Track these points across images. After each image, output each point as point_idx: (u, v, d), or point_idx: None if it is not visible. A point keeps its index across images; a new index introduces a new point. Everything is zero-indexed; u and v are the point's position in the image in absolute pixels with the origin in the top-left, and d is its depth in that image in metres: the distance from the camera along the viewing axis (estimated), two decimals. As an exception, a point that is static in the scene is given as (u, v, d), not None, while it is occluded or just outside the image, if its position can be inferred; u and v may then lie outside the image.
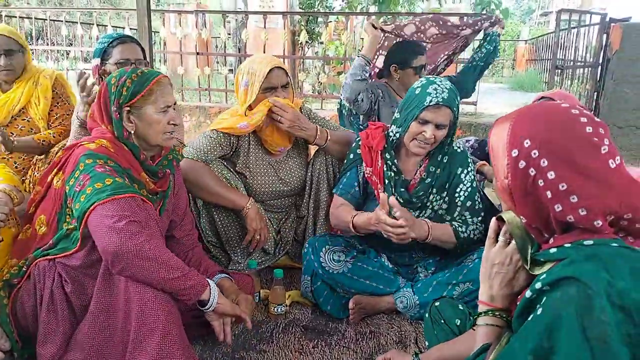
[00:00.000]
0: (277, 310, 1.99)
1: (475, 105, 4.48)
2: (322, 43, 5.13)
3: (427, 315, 1.64)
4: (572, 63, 4.95)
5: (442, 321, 1.59)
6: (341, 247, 2.02)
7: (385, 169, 2.02)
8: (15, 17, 6.25)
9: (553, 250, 0.94)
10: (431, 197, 2.03)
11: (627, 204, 0.91)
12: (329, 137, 2.22)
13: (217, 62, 8.15)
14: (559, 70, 4.66)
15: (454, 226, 1.96)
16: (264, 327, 1.93)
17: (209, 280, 1.49)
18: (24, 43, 2.53)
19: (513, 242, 1.03)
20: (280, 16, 5.22)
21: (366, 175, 2.04)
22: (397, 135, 1.98)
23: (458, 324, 1.56)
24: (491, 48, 2.89)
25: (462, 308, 1.62)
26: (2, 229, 1.67)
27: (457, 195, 2.02)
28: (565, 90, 4.79)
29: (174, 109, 1.64)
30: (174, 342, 1.36)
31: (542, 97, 2.14)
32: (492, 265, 1.07)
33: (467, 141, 2.72)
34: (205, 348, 1.76)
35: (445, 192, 2.03)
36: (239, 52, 6.93)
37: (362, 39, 5.29)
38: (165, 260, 1.38)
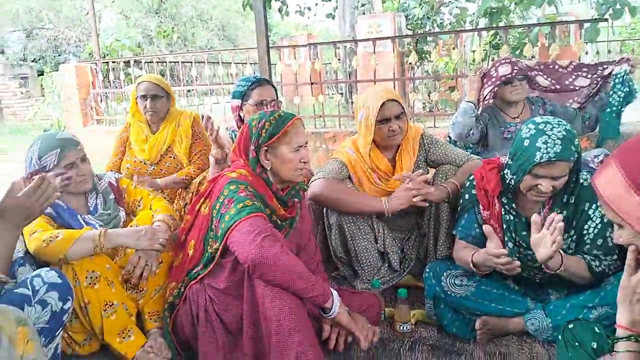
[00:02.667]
0: (403, 328, 2.04)
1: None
2: (431, 61, 5.14)
3: (560, 337, 1.59)
4: None
5: (577, 344, 1.53)
6: (463, 271, 2.01)
7: (503, 212, 1.96)
8: (152, 62, 7.08)
9: None
10: None
11: None
12: (457, 185, 2.26)
13: (329, 88, 8.48)
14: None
15: (586, 259, 1.84)
16: (391, 345, 1.99)
17: (332, 291, 1.63)
18: (169, 90, 2.92)
19: None
20: (389, 40, 5.34)
21: (484, 218, 1.99)
22: (512, 181, 1.87)
23: (594, 347, 1.49)
24: (627, 89, 2.69)
25: (598, 331, 1.54)
26: (163, 254, 1.95)
27: (585, 233, 1.89)
28: None
29: (305, 148, 1.83)
30: (309, 346, 1.50)
31: None
32: (633, 292, 1.06)
33: (595, 157, 2.57)
34: (334, 357, 1.86)
35: (573, 231, 1.90)
36: (349, 77, 7.16)
37: (473, 51, 5.23)
38: (295, 270, 1.54)
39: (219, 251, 1.67)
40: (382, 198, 2.23)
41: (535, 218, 1.69)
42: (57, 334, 1.54)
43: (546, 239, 1.66)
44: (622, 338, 1.09)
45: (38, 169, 1.91)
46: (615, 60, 2.79)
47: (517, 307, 1.96)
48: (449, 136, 3.02)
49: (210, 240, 1.76)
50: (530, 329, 1.93)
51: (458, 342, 1.99)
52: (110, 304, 1.76)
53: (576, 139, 1.77)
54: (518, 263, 1.72)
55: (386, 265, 2.41)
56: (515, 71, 2.68)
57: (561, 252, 1.76)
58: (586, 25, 5.57)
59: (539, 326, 1.90)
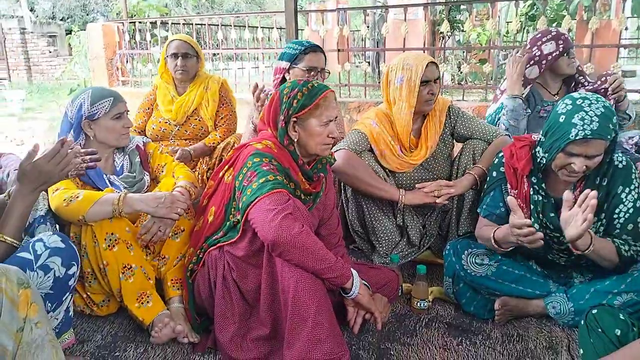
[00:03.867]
0: (420, 305, 2.03)
1: (641, 92, 4.00)
2: (463, 31, 4.97)
3: (582, 322, 1.56)
4: None
5: (600, 330, 1.50)
6: (484, 250, 1.98)
7: (531, 192, 1.90)
8: (179, 24, 7.01)
9: None
10: None
11: None
12: (484, 170, 2.20)
13: (355, 57, 8.32)
14: None
15: (616, 243, 1.78)
16: (408, 321, 1.99)
17: (353, 271, 1.60)
18: (199, 51, 2.91)
19: None
20: (420, 7, 5.17)
21: (512, 196, 1.90)
22: (544, 160, 1.82)
23: (618, 334, 1.46)
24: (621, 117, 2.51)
25: (623, 318, 1.50)
26: (184, 221, 1.96)
27: (615, 217, 1.82)
28: None
29: (335, 122, 1.77)
30: (324, 330, 1.48)
31: None
32: None
33: (630, 138, 2.46)
34: (352, 335, 1.85)
35: (603, 214, 1.84)
36: (377, 46, 7.00)
37: (508, 22, 5.03)
38: (316, 250, 1.51)
39: (242, 222, 1.65)
40: (400, 190, 2.21)
41: (567, 195, 1.63)
42: (64, 298, 1.54)
43: (577, 217, 1.60)
44: None
45: (86, 116, 1.94)
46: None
47: (538, 289, 1.93)
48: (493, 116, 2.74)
49: (233, 209, 1.75)
50: (551, 312, 1.90)
51: (475, 322, 1.98)
52: (129, 267, 1.78)
53: (614, 117, 1.70)
54: (541, 235, 1.66)
55: (405, 240, 2.38)
56: (561, 44, 2.49)
57: (591, 232, 1.71)
58: (630, -2, 5.32)
59: (560, 310, 1.87)
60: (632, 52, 10.87)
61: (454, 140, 2.43)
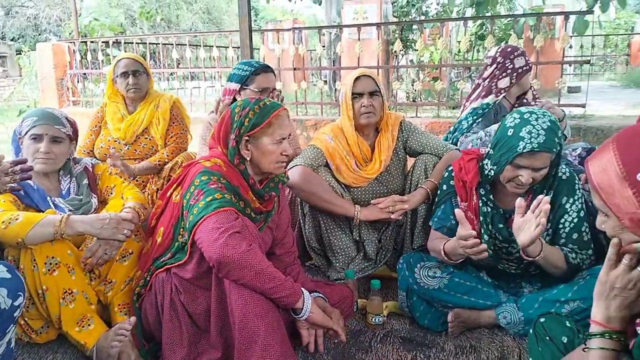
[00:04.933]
0: (375, 320, 2.02)
1: (584, 107, 4.19)
2: (416, 50, 5.09)
3: (531, 331, 1.58)
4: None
5: (548, 338, 1.52)
6: (437, 262, 2.00)
7: (480, 204, 1.94)
8: (132, 43, 6.91)
9: None
10: None
11: None
12: (436, 184, 2.23)
13: (313, 75, 8.39)
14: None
15: (564, 251, 1.84)
16: (363, 337, 1.97)
17: (303, 290, 1.57)
18: (148, 68, 2.87)
19: (638, 268, 0.98)
20: (374, 27, 5.28)
21: (461, 209, 1.96)
22: (492, 172, 1.85)
23: (565, 341, 1.49)
24: None
25: (569, 325, 1.53)
26: (132, 243, 1.89)
27: (561, 227, 1.88)
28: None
29: (288, 140, 1.77)
30: (274, 352, 1.44)
31: None
32: (611, 287, 1.02)
33: (573, 150, 2.56)
34: (307, 354, 1.82)
35: (549, 224, 1.89)
36: (334, 64, 7.08)
37: (459, 42, 5.20)
38: (263, 269, 1.48)
39: (189, 244, 1.61)
40: (356, 206, 2.23)
41: (519, 202, 1.67)
42: (7, 330, 1.45)
43: (530, 222, 1.64)
44: (596, 334, 1.05)
45: (17, 134, 1.96)
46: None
47: (489, 300, 1.96)
48: (454, 130, 2.83)
49: (181, 230, 1.70)
50: (502, 322, 1.92)
51: (430, 335, 1.98)
52: (70, 292, 1.70)
53: (560, 131, 1.76)
54: (485, 246, 1.69)
55: (361, 254, 2.39)
56: (528, 60, 2.69)
57: (541, 239, 1.75)
58: (572, 18, 5.59)
59: (511, 319, 1.90)
60: (578, 69, 11.44)
61: (407, 155, 2.47)
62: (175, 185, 1.77)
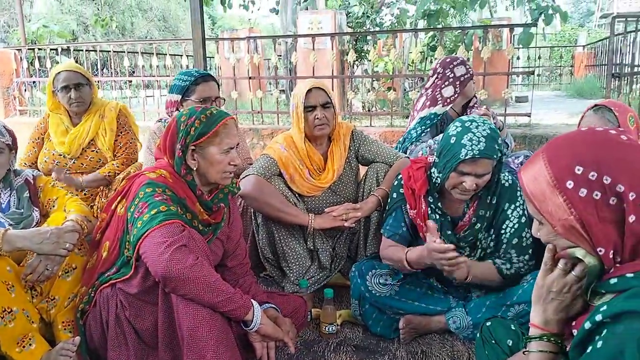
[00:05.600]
0: (329, 329, 2.02)
1: (529, 116, 4.36)
2: (369, 60, 5.18)
3: (478, 335, 1.62)
4: (629, 69, 4.75)
5: (493, 341, 1.56)
6: (388, 270, 2.02)
7: (429, 212, 1.98)
8: (82, 50, 6.71)
9: (614, 280, 0.91)
10: (480, 236, 1.97)
11: None
12: (387, 191, 2.26)
13: (270, 84, 8.39)
14: (616, 78, 4.49)
15: (496, 264, 1.90)
16: (316, 347, 1.97)
17: (253, 302, 1.55)
18: (90, 78, 2.75)
19: (573, 272, 1.00)
20: (328, 37, 5.33)
21: (411, 217, 2.01)
22: (439, 180, 1.91)
23: (510, 344, 1.52)
24: None
25: (514, 328, 1.58)
26: (75, 257, 1.82)
27: (503, 232, 1.95)
28: (625, 96, 4.58)
29: (236, 149, 1.74)
30: (225, 353, 1.42)
31: (596, 105, 2.07)
32: (548, 291, 1.05)
33: (516, 158, 2.65)
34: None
35: (492, 230, 1.96)
36: (290, 73, 7.10)
37: (411, 52, 5.33)
38: (211, 283, 1.45)
39: (134, 258, 1.56)
40: (310, 214, 2.24)
41: (431, 224, 1.73)
42: None
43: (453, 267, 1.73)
44: (535, 337, 1.08)
45: None
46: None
47: (439, 305, 2.00)
48: (404, 140, 2.90)
49: (127, 243, 1.65)
50: (451, 327, 1.96)
51: (382, 342, 2.00)
52: (9, 310, 1.61)
53: (499, 139, 1.82)
54: (465, 258, 1.75)
55: (315, 264, 2.39)
56: (469, 69, 2.74)
57: (467, 264, 1.80)
58: (519, 30, 5.82)
59: (460, 324, 1.94)
60: (526, 80, 11.90)
61: (359, 164, 2.50)
62: (119, 197, 1.72)
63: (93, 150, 2.75)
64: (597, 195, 0.91)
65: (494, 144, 1.78)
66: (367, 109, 5.44)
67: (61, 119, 2.73)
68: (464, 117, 1.88)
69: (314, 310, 2.20)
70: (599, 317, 0.87)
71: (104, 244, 1.73)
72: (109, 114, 2.77)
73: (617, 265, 0.93)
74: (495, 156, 1.79)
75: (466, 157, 1.75)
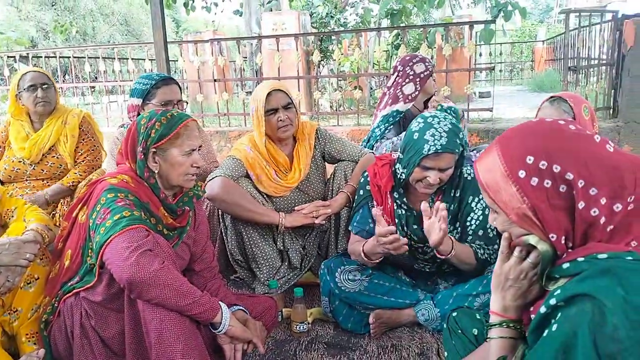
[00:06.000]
0: (299, 328, 2.03)
1: (491, 111, 4.47)
2: (334, 60, 5.21)
3: (445, 325, 1.65)
4: (586, 62, 4.92)
5: (460, 331, 1.59)
6: (356, 266, 2.04)
7: (395, 207, 2.02)
8: (42, 57, 6.53)
9: (566, 265, 0.93)
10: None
11: None
12: (355, 187, 2.28)
13: (237, 86, 8.33)
14: (572, 71, 4.64)
15: (473, 247, 1.94)
16: (287, 346, 1.98)
17: (221, 304, 1.54)
18: (54, 81, 2.72)
19: (528, 258, 1.03)
20: (292, 38, 5.34)
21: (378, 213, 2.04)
22: (404, 175, 1.94)
23: (476, 333, 1.55)
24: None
25: (479, 317, 1.62)
26: (37, 268, 1.77)
27: (468, 224, 1.99)
28: (582, 88, 4.74)
29: (199, 151, 1.72)
30: (194, 356, 1.41)
31: (552, 97, 2.13)
32: (505, 279, 1.07)
33: (478, 152, 2.71)
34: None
35: (458, 223, 2.01)
36: (256, 75, 7.08)
37: (375, 51, 5.38)
38: (178, 286, 1.43)
39: (97, 265, 1.53)
40: (280, 213, 2.24)
41: (424, 206, 1.75)
42: None
43: (435, 225, 1.73)
44: (495, 324, 1.10)
45: None
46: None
47: (408, 299, 2.03)
48: (368, 138, 2.93)
49: (90, 251, 1.62)
50: (420, 319, 2.00)
51: (353, 338, 2.02)
52: (-32, 325, 1.57)
53: (461, 133, 1.86)
54: (405, 240, 1.76)
55: (285, 264, 2.39)
56: (429, 66, 2.78)
57: (452, 238, 1.85)
58: (480, 27, 5.94)
59: (429, 316, 1.98)
60: (489, 75, 12.16)
61: (325, 162, 2.51)
62: (80, 204, 1.69)
63: (54, 156, 2.70)
64: (547, 183, 0.93)
65: (456, 138, 1.82)
66: (334, 109, 5.47)
67: (22, 125, 2.69)
68: (426, 113, 1.91)
69: (284, 310, 2.20)
70: (553, 301, 0.89)
71: (66, 253, 1.70)
72: (72, 121, 2.73)
73: (570, 250, 0.96)
74: (457, 150, 1.83)
75: (429, 152, 1.79)
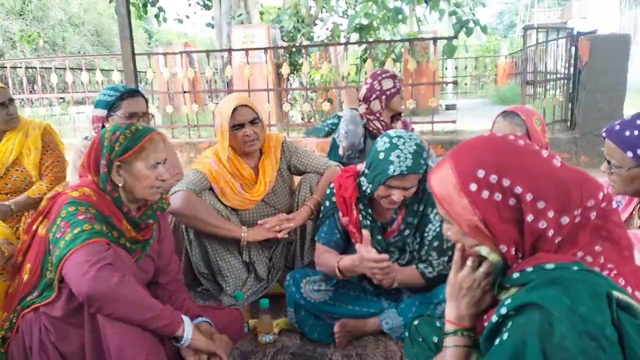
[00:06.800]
0: (266, 339, 2.04)
1: (455, 123, 4.59)
2: (304, 73, 5.28)
3: (406, 334, 1.69)
4: (544, 77, 5.10)
5: (421, 339, 1.61)
6: (321, 276, 2.06)
7: (360, 218, 2.05)
8: (6, 67, 6.40)
9: (516, 275, 0.96)
10: (408, 240, 2.05)
11: (587, 192, 0.96)
12: (319, 200, 2.31)
13: (209, 97, 8.32)
14: (531, 85, 4.83)
15: (419, 268, 1.98)
16: (253, 357, 1.98)
17: (183, 317, 1.54)
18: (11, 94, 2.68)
19: (481, 268, 1.06)
20: (262, 51, 5.38)
21: (343, 224, 2.07)
22: (368, 190, 1.96)
23: (436, 341, 1.58)
24: None
25: (439, 325, 1.66)
26: None
27: (426, 234, 2.03)
28: (540, 101, 4.91)
29: (164, 164, 1.72)
30: None
31: (504, 112, 2.17)
32: (460, 288, 1.10)
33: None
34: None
35: (417, 233, 2.05)
36: (227, 87, 7.08)
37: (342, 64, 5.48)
38: (137, 301, 1.43)
39: (56, 280, 1.51)
40: (243, 227, 2.24)
41: (365, 233, 1.80)
42: None
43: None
44: (450, 333, 1.13)
45: None
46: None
47: (372, 308, 2.06)
48: (331, 148, 3.03)
49: (49, 265, 1.60)
50: (385, 328, 2.03)
51: (319, 348, 2.04)
52: None
53: (425, 152, 1.90)
54: (396, 266, 1.82)
55: (252, 276, 2.39)
56: (397, 83, 2.83)
57: (394, 269, 1.86)
58: (443, 42, 6.10)
59: (393, 325, 2.01)
60: (456, 89, 12.46)
61: (292, 174, 2.54)
62: (41, 217, 1.67)
63: (18, 170, 2.65)
64: (497, 197, 0.96)
65: (420, 159, 1.86)
66: (306, 120, 5.53)
67: None
68: (392, 132, 1.93)
69: (251, 321, 2.21)
70: (504, 310, 0.92)
71: (25, 267, 1.67)
72: (33, 132, 2.68)
73: (519, 260, 0.99)
74: (421, 170, 1.88)
75: (394, 174, 1.83)
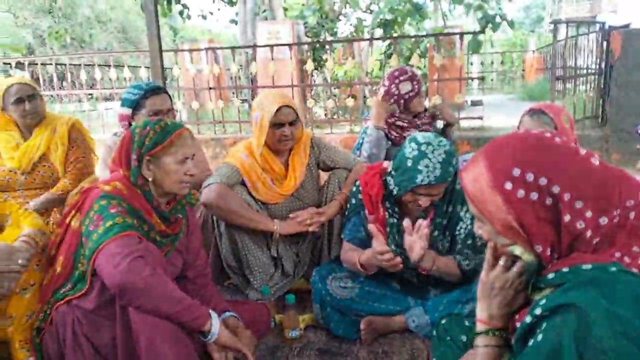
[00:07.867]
0: (292, 334, 2.05)
1: (482, 119, 4.53)
2: (328, 69, 5.27)
3: (434, 333, 1.68)
4: (573, 72, 5.00)
5: (449, 338, 1.60)
6: (347, 273, 2.07)
7: (387, 216, 2.04)
8: (38, 64, 6.55)
9: (551, 275, 0.94)
10: (438, 241, 2.03)
11: (627, 191, 0.93)
12: (348, 194, 2.30)
13: (234, 94, 8.38)
14: (560, 81, 4.72)
15: (457, 259, 1.96)
16: (280, 352, 2.00)
17: (211, 312, 1.56)
18: (39, 90, 2.72)
19: (514, 268, 1.04)
20: (287, 47, 5.39)
21: (370, 221, 2.04)
22: (395, 191, 1.94)
23: (464, 340, 1.57)
24: None
25: (468, 324, 1.64)
26: (34, 273, 1.78)
27: (457, 233, 2.01)
28: (570, 97, 4.81)
29: (192, 160, 1.75)
30: None
31: (531, 110, 2.13)
32: (491, 287, 1.08)
33: (464, 161, 2.74)
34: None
35: (448, 232, 2.03)
36: (251, 83, 7.12)
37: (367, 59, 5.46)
38: (167, 294, 1.45)
39: (89, 272, 1.55)
40: (275, 220, 2.26)
41: (406, 223, 1.78)
42: None
43: (415, 243, 1.77)
44: (481, 332, 1.12)
45: None
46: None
47: (399, 305, 2.05)
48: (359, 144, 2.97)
49: (82, 257, 1.64)
50: (411, 326, 2.02)
51: (345, 344, 2.04)
52: (-37, 331, 1.58)
53: (454, 159, 1.87)
54: (399, 260, 1.80)
55: (279, 271, 2.41)
56: (415, 85, 2.75)
57: (432, 253, 1.87)
58: (469, 37, 6.03)
59: (419, 323, 2.00)
60: (481, 84, 12.28)
61: (319, 170, 2.54)
62: (73, 211, 1.71)
63: (45, 165, 2.70)
64: (534, 196, 0.94)
65: (449, 167, 1.83)
66: (330, 116, 5.54)
67: (11, 135, 2.68)
68: (420, 138, 1.88)
69: (277, 316, 2.22)
70: (538, 311, 0.90)
71: (58, 259, 1.71)
72: (61, 129, 2.73)
73: (555, 261, 0.97)
74: (450, 178, 1.85)
75: (422, 183, 1.81)
